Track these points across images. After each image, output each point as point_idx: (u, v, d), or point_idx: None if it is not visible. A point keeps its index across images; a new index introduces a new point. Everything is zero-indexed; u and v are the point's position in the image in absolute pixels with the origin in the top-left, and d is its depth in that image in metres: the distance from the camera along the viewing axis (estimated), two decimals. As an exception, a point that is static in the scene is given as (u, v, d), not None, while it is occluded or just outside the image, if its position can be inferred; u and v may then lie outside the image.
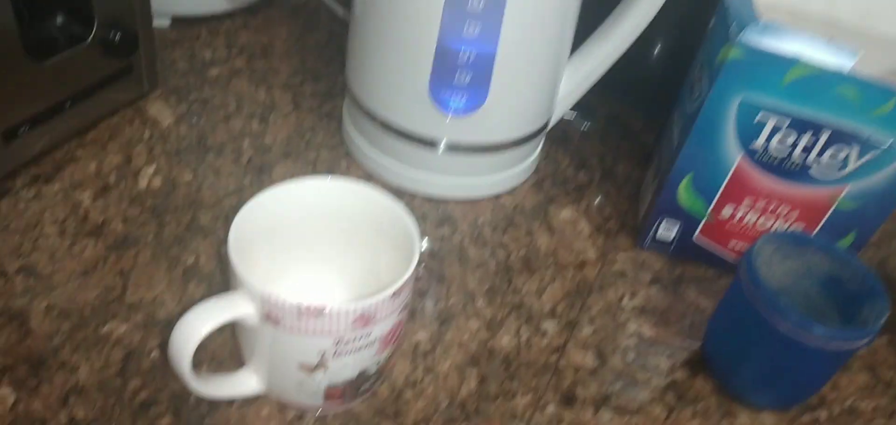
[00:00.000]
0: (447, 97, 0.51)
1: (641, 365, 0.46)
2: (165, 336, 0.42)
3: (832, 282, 0.44)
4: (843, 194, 0.48)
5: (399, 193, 0.55)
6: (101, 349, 0.41)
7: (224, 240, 0.46)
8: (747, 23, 0.46)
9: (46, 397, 0.38)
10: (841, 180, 0.47)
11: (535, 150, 0.60)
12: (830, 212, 0.49)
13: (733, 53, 0.44)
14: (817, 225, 0.50)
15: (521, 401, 0.42)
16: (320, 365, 0.36)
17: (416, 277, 0.42)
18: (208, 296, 0.34)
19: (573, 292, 0.50)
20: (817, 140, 0.46)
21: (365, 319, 0.34)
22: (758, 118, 0.46)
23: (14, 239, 0.46)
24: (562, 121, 0.63)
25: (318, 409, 0.39)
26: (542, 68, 0.53)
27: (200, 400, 0.39)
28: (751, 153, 0.47)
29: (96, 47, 0.52)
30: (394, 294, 0.35)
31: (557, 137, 0.64)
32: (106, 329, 0.42)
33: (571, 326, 0.48)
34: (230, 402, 0.39)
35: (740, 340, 0.44)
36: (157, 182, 0.52)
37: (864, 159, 0.46)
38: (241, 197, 0.52)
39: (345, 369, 0.36)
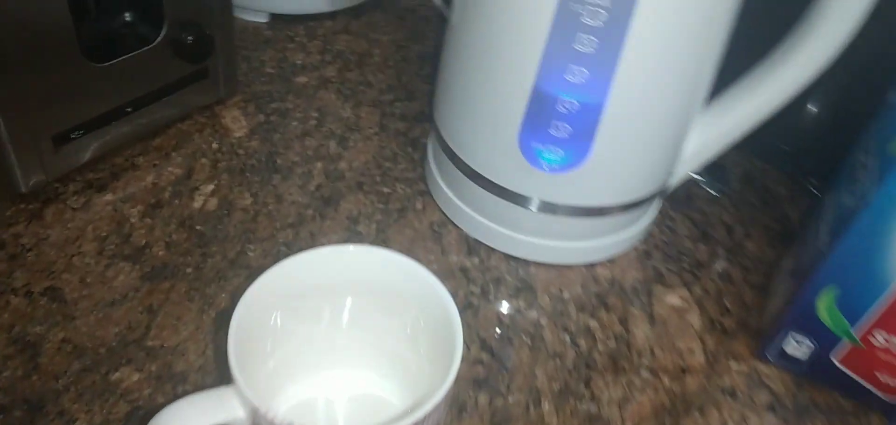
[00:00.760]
0: (539, 150, 0.43)
1: None
2: (176, 395, 0.37)
3: None
4: None
5: (475, 246, 0.48)
6: (106, 400, 0.36)
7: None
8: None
9: (35, 451, 0.34)
10: None
11: (647, 214, 0.50)
12: None
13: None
14: None
15: None
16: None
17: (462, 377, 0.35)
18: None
19: (666, 409, 0.41)
20: None
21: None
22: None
23: (50, 254, 0.42)
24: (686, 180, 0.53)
25: None
26: (665, 123, 0.44)
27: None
28: (924, 276, 0.36)
29: (165, 50, 0.48)
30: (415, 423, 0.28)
31: (678, 196, 0.54)
32: (117, 375, 0.37)
33: (657, 455, 0.38)
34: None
35: None
36: (212, 203, 0.47)
37: None
38: (297, 232, 0.46)
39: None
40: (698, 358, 0.44)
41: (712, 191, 0.55)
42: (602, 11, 0.38)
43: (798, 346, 0.42)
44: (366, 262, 0.34)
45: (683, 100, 0.43)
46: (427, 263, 0.46)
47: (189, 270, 0.43)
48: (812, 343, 0.41)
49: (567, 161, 0.43)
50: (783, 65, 0.44)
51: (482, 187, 0.46)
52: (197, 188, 0.48)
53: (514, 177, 0.45)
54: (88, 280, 0.41)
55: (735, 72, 0.46)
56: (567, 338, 0.44)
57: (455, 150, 0.47)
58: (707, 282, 0.48)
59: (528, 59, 0.40)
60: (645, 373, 0.42)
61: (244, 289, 0.32)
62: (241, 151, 0.52)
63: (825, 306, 0.39)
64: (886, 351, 0.40)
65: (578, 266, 0.48)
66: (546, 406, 0.40)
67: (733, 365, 0.44)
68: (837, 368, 0.42)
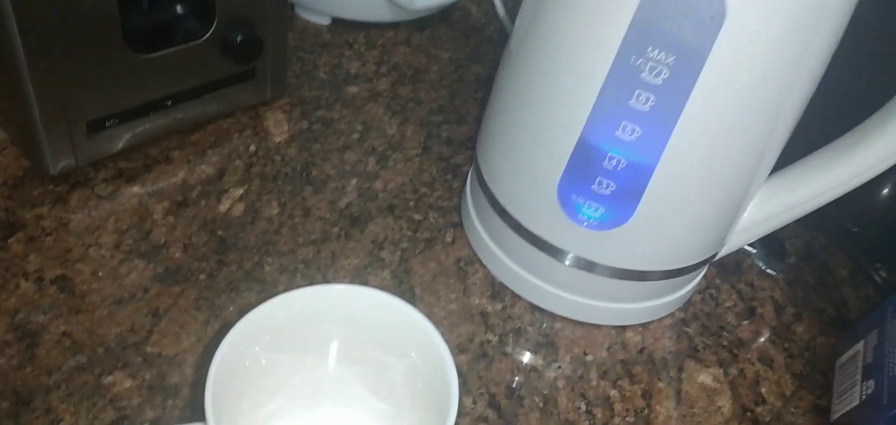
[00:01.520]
0: (579, 204, 0.40)
1: None
2: (165, 409, 0.36)
3: None
4: None
5: (500, 291, 0.45)
6: (94, 403, 0.35)
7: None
8: None
9: (15, 447, 0.34)
10: None
11: (690, 282, 0.46)
12: None
13: None
14: None
15: None
16: None
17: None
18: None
19: (683, 506, 0.37)
20: None
21: None
22: None
23: (68, 241, 0.42)
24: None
25: None
26: (720, 193, 0.40)
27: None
28: None
29: (213, 47, 0.47)
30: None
31: (726, 264, 0.50)
32: (109, 379, 0.37)
33: None
34: None
35: None
36: (238, 208, 0.46)
37: None
38: (318, 251, 0.45)
39: None
40: (728, 454, 0.40)
41: (766, 267, 0.50)
42: (665, 69, 0.34)
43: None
44: (358, 303, 0.32)
45: (744, 171, 0.39)
46: (447, 302, 0.44)
47: (202, 277, 0.42)
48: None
49: (608, 219, 0.40)
50: (863, 146, 0.39)
51: (514, 230, 0.44)
52: (226, 191, 0.47)
53: (549, 227, 0.42)
54: (100, 273, 0.41)
55: (805, 144, 0.42)
56: (582, 406, 0.40)
57: (490, 186, 0.44)
58: (745, 364, 0.44)
59: (577, 106, 0.37)
60: (665, 462, 0.39)
61: (255, 303, 0.30)
62: (277, 157, 0.50)
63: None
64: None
65: (608, 327, 0.45)
66: (549, 482, 0.37)
67: (767, 467, 0.40)
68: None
